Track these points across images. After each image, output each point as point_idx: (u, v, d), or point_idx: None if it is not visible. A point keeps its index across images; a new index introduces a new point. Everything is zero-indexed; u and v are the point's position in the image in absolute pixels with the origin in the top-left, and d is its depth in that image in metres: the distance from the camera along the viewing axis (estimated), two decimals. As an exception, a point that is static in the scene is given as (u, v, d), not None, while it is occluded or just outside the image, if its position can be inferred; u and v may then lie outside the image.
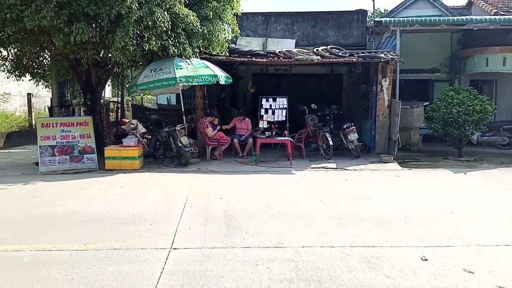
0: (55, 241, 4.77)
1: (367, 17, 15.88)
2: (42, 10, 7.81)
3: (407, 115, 11.55)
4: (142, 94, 17.83)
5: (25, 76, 11.51)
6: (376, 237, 4.86)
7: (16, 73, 11.20)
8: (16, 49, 10.68)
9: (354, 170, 9.47)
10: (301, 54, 11.55)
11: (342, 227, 5.21)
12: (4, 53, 10.75)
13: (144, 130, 10.88)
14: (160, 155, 10.60)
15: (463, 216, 5.77)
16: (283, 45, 13.41)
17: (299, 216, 5.72)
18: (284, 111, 10.81)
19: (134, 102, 20.88)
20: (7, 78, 11.63)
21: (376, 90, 11.47)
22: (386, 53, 11.41)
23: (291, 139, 10.70)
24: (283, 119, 10.83)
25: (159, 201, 6.67)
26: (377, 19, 14.47)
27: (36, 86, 12.84)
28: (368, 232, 5.04)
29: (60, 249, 4.51)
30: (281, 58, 11.43)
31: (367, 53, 11.67)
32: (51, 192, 7.38)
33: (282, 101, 10.85)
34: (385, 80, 11.30)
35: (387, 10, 24.42)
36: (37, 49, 10.50)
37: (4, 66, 11.13)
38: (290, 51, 11.79)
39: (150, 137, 10.91)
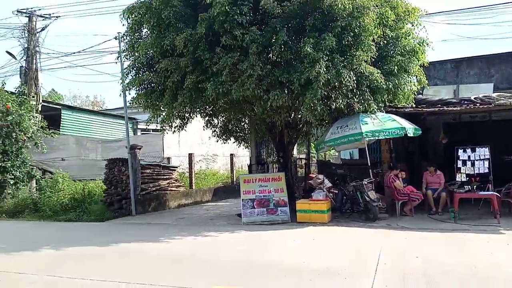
0: (257, 286, 5.31)
1: None
2: (246, 83, 9.20)
3: None
4: (328, 150, 18.57)
5: (230, 140, 13.64)
6: None
7: (224, 137, 13.43)
8: (224, 118, 12.83)
9: None
10: (502, 98, 10.32)
11: None
12: (215, 121, 13.02)
13: (330, 184, 11.23)
14: (347, 210, 10.67)
15: None
16: (478, 90, 12.26)
17: (515, 284, 4.91)
18: (486, 162, 9.63)
19: (319, 158, 21.80)
20: (216, 142, 13.95)
21: None
22: None
23: (497, 194, 9.35)
24: (485, 171, 9.63)
25: (351, 255, 6.69)
26: None
27: (238, 147, 14.93)
28: None
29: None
30: (478, 104, 10.44)
31: None
32: (253, 241, 8.25)
33: (483, 151, 9.69)
34: None
35: None
36: (240, 116, 12.36)
37: (215, 132, 13.45)
38: (488, 96, 10.70)
39: (336, 191, 11.17)
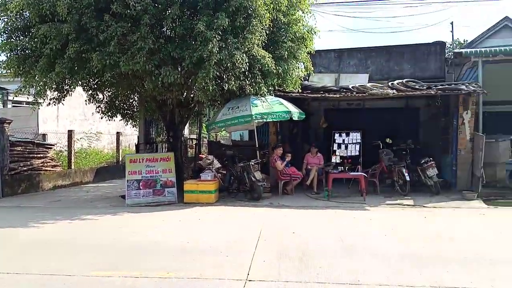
0: (141, 268, 5.15)
1: (446, 49, 15.39)
2: (136, 56, 8.72)
3: (492, 149, 10.79)
4: (218, 131, 18.71)
5: (117, 117, 12.76)
6: (460, 278, 4.57)
7: (109, 114, 12.46)
8: (110, 93, 11.97)
9: (434, 207, 8.98)
10: (375, 88, 11.47)
11: (422, 267, 4.97)
12: (100, 96, 12.06)
13: (219, 165, 11.38)
14: (234, 189, 10.97)
15: None
16: (356, 80, 13.44)
17: (374, 253, 5.57)
18: (358, 146, 10.70)
19: (210, 139, 21.90)
20: (101, 118, 12.98)
21: (457, 124, 10.93)
22: (467, 84, 10.93)
23: (365, 175, 10.49)
24: (356, 154, 10.71)
25: (234, 233, 6.90)
26: (457, 50, 13.97)
27: (126, 125, 14.12)
28: (451, 273, 4.76)
29: (145, 276, 4.86)
30: (354, 93, 11.44)
31: (446, 85, 11.27)
32: (137, 223, 7.99)
33: (356, 136, 10.77)
34: (467, 113, 10.77)
35: (466, 41, 23.45)
36: (129, 92, 11.66)
37: (99, 108, 12.44)
38: (363, 85, 11.77)
39: (224, 172, 11.38)
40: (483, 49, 11.69)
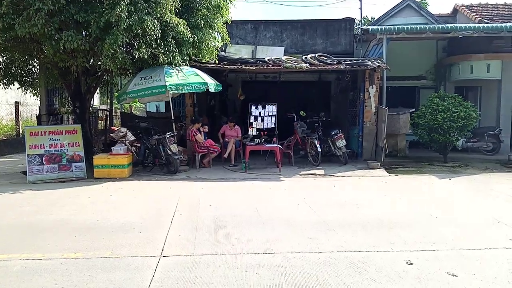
0: (44, 249, 4.77)
1: (355, 25, 16.15)
2: (33, 18, 7.83)
3: (393, 121, 11.75)
4: (131, 102, 17.81)
5: (13, 84, 11.40)
6: (363, 242, 4.95)
7: (4, 81, 11.07)
8: (5, 58, 10.64)
9: (342, 176, 9.59)
10: (290, 61, 11.70)
11: (330, 233, 5.30)
12: (-7, 61, 10.67)
13: (133, 138, 10.87)
14: (150, 163, 10.59)
15: (448, 221, 5.90)
16: (272, 52, 13.58)
17: (288, 222, 5.79)
18: (273, 118, 10.92)
19: (123, 110, 20.82)
20: (-5, 86, 11.53)
21: (364, 97, 11.65)
22: (373, 60, 11.62)
23: (280, 146, 10.80)
24: (272, 126, 10.93)
25: (149, 209, 6.69)
26: (364, 27, 14.74)
27: (24, 94, 12.75)
28: (355, 237, 5.14)
29: (49, 258, 4.51)
30: (270, 65, 11.57)
31: (354, 61, 11.87)
32: (40, 201, 7.34)
33: (272, 109, 10.96)
34: (372, 88, 11.50)
35: (374, 18, 24.85)
36: (26, 57, 10.47)
37: (-7, 75, 11.02)
38: (279, 58, 11.93)
39: (139, 145, 10.92)
40: (387, 27, 12.47)
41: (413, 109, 12.53)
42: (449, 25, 12.68)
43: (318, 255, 4.52)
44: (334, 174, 9.77)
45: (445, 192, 8.11)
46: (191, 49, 10.07)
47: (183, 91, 9.99)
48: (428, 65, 14.86)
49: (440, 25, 12.85)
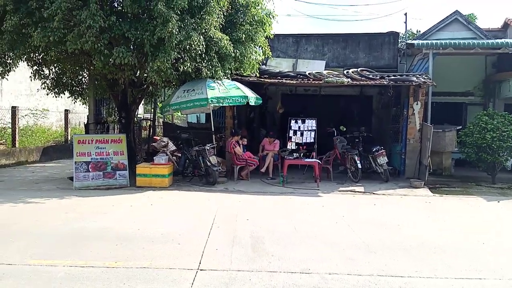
0: (87, 257, 4.93)
1: (399, 39, 15.82)
2: (85, 35, 8.15)
3: (439, 139, 11.33)
4: (173, 113, 18.28)
5: (64, 94, 12.00)
6: (405, 266, 4.76)
7: (56, 90, 11.64)
8: (57, 68, 11.23)
9: (383, 194, 9.32)
10: (331, 76, 11.60)
11: (370, 255, 5.14)
12: (46, 71, 11.27)
13: (174, 148, 11.13)
14: (189, 174, 10.78)
15: (496, 247, 5.58)
16: (313, 66, 13.53)
17: (326, 241, 5.68)
18: (313, 133, 10.82)
19: (166, 120, 21.38)
20: (47, 95, 12.18)
21: (407, 113, 11.32)
22: (418, 76, 11.30)
23: (319, 161, 10.67)
24: (311, 141, 10.84)
25: (187, 220, 6.79)
26: (409, 41, 14.37)
27: (74, 103, 13.41)
28: (396, 260, 4.95)
29: (91, 266, 4.66)
30: (311, 79, 11.52)
31: (398, 76, 11.61)
32: (84, 208, 7.62)
33: (311, 123, 10.87)
34: (417, 104, 11.17)
35: (419, 32, 24.23)
36: (77, 68, 11.01)
37: (45, 84, 11.63)
38: (320, 72, 11.87)
39: (180, 155, 11.15)
40: (434, 41, 12.11)
41: (460, 127, 12.02)
42: (499, 40, 12.15)
43: (357, 278, 4.39)
44: (374, 192, 9.51)
45: (493, 215, 7.69)
46: (233, 63, 10.21)
47: (224, 104, 10.14)
48: (476, 80, 14.27)
49: (490, 41, 12.33)
